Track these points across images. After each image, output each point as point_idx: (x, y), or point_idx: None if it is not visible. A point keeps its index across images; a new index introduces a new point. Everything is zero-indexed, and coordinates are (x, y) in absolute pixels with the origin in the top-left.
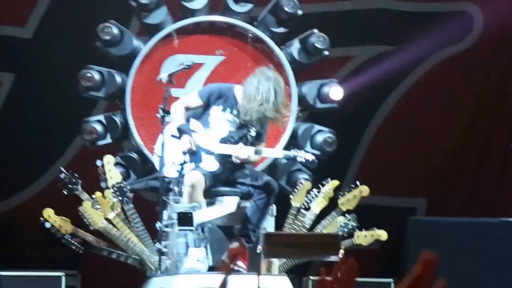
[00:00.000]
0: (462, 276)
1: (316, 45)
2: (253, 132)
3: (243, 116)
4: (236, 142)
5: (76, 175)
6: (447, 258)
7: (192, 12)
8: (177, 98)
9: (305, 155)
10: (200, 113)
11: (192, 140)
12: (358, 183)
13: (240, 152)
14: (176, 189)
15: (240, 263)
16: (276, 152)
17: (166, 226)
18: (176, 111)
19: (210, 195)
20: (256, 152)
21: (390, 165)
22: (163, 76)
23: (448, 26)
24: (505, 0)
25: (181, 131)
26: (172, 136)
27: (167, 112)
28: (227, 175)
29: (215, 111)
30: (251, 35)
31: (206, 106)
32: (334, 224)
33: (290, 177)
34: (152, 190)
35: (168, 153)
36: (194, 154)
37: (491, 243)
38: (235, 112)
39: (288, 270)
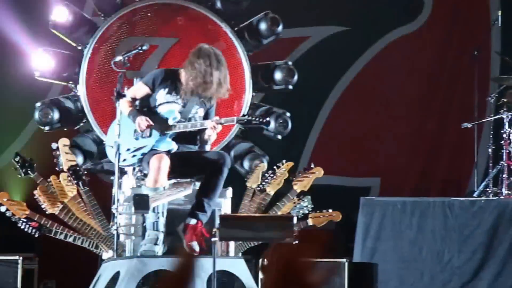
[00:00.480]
0: (411, 254)
1: (270, 26)
2: (201, 112)
3: (188, 97)
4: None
5: (31, 159)
6: (397, 237)
7: None
8: (132, 81)
9: (259, 118)
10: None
11: (147, 118)
12: (312, 164)
13: (207, 123)
14: (133, 171)
15: (194, 243)
16: (232, 118)
17: (122, 209)
18: (124, 105)
19: (172, 176)
20: (218, 122)
21: (344, 146)
22: (118, 58)
23: (399, 5)
24: None
25: (133, 115)
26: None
27: (122, 94)
28: (183, 158)
29: (161, 94)
30: (203, 16)
31: (152, 91)
32: (289, 206)
33: (245, 160)
34: (107, 173)
35: (122, 139)
36: (150, 135)
37: (440, 222)
38: (179, 94)
39: (244, 252)
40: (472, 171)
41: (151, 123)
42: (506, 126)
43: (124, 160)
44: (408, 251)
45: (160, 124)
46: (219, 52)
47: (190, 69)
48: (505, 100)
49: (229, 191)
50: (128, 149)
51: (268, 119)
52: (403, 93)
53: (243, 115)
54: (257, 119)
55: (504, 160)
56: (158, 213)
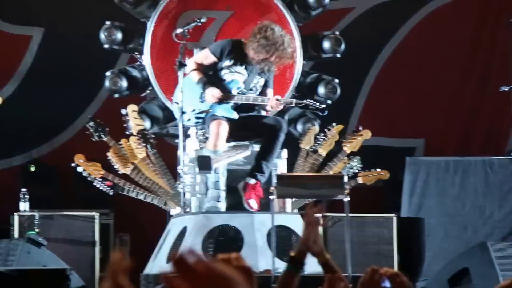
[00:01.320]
0: (454, 209)
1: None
2: (261, 81)
3: (251, 68)
4: (247, 93)
5: (103, 123)
6: (441, 194)
7: None
8: (192, 51)
9: (316, 104)
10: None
11: (219, 90)
12: (360, 127)
13: (270, 100)
14: (195, 134)
15: (253, 201)
16: (292, 100)
17: (187, 169)
18: (191, 67)
19: (231, 140)
20: (278, 100)
21: (390, 109)
22: (179, 30)
23: None
24: None
25: (203, 82)
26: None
27: (183, 64)
28: (242, 122)
29: (227, 64)
30: None
31: (219, 60)
32: (340, 166)
33: (298, 123)
34: (172, 136)
35: (186, 102)
36: (221, 103)
37: (481, 179)
38: (244, 65)
39: (300, 208)
40: (510, 131)
41: (221, 95)
42: None
43: (189, 120)
44: (452, 206)
45: (224, 92)
46: (281, 28)
47: (263, 40)
48: None
49: (285, 153)
50: (193, 110)
51: (324, 106)
52: (444, 60)
53: (302, 100)
54: (314, 104)
55: None
56: (218, 173)
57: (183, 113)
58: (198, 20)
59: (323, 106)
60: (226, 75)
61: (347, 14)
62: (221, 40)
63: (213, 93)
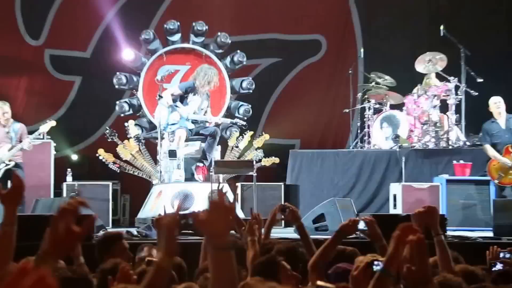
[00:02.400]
0: (317, 180)
1: (239, 59)
2: (206, 103)
3: (201, 94)
4: (202, 112)
5: (115, 130)
6: (309, 171)
7: (173, 42)
8: (165, 89)
9: (240, 121)
10: (179, 98)
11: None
12: (263, 132)
13: (212, 119)
14: (168, 137)
15: (200, 176)
16: (226, 119)
17: (163, 157)
18: (167, 96)
19: (188, 141)
20: (216, 122)
21: (280, 122)
22: (158, 77)
23: (307, 46)
24: (345, 30)
25: (172, 107)
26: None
27: (161, 96)
28: (195, 130)
29: (190, 96)
30: (204, 54)
31: (184, 93)
32: (250, 155)
33: (227, 131)
34: (155, 138)
35: (162, 118)
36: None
37: (331, 162)
38: (196, 94)
39: (229, 180)
40: (348, 135)
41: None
42: (367, 111)
43: (164, 128)
44: (315, 178)
45: (186, 113)
46: (214, 67)
47: (203, 76)
48: (366, 97)
49: (219, 148)
50: (167, 123)
51: (243, 122)
52: (313, 92)
53: (233, 119)
54: (238, 122)
55: (365, 129)
56: (180, 159)
57: (160, 124)
58: (170, 71)
59: (244, 122)
60: (190, 102)
61: (257, 67)
62: (184, 82)
63: (175, 117)
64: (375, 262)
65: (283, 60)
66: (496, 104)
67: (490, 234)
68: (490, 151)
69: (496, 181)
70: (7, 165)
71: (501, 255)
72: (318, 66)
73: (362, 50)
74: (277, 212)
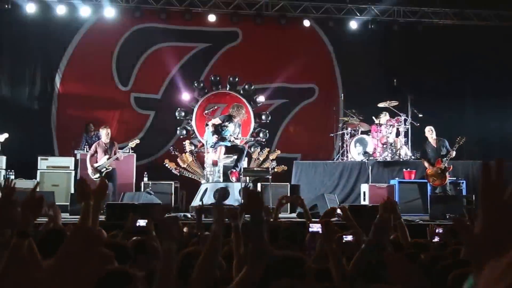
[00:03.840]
0: (314, 182)
1: (260, 99)
2: (238, 129)
3: (234, 123)
4: (235, 134)
5: (176, 148)
6: (308, 176)
7: (215, 89)
8: (210, 119)
9: (261, 141)
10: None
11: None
12: (276, 149)
13: (242, 139)
14: (212, 151)
15: (234, 178)
16: (251, 140)
17: (208, 165)
18: (212, 124)
19: (225, 154)
20: (246, 140)
21: (287, 141)
22: (206, 111)
23: (305, 92)
24: (331, 80)
25: (214, 132)
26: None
27: (207, 124)
28: (231, 147)
29: (227, 123)
30: (235, 95)
31: (222, 122)
32: (267, 164)
33: (252, 147)
34: (203, 152)
35: (208, 139)
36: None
37: (322, 169)
38: (231, 122)
39: (253, 181)
40: (333, 150)
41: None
42: (345, 136)
43: (209, 146)
44: (311, 180)
45: (222, 137)
46: (243, 106)
47: (236, 111)
48: (345, 125)
49: (246, 159)
50: (212, 142)
51: (264, 141)
52: (307, 122)
53: (255, 140)
54: (260, 140)
55: (344, 147)
56: (219, 166)
57: (206, 143)
58: (214, 107)
59: (262, 141)
60: (225, 127)
61: (271, 106)
62: (223, 115)
63: (214, 139)
64: (344, 237)
65: (289, 101)
66: (430, 131)
67: (427, 218)
68: (426, 163)
69: (431, 183)
70: (107, 169)
71: (437, 230)
72: (313, 105)
73: (342, 94)
74: (281, 200)
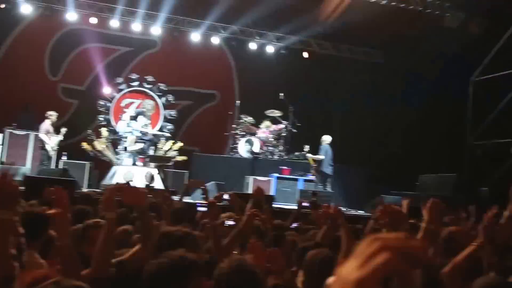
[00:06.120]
0: (218, 175)
1: (169, 99)
2: (148, 122)
3: (146, 117)
4: (146, 127)
5: (94, 132)
6: (212, 170)
7: (133, 86)
8: (125, 112)
9: (166, 134)
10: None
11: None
12: (179, 141)
13: (150, 131)
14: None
15: (140, 163)
16: (158, 132)
17: (119, 150)
18: (125, 116)
19: (135, 142)
20: (154, 132)
21: (191, 136)
22: (122, 104)
23: (208, 96)
24: (229, 89)
25: (128, 123)
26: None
27: (122, 116)
28: (140, 137)
29: (140, 116)
30: (149, 94)
31: (136, 115)
32: (170, 154)
33: (158, 138)
34: (117, 139)
35: (120, 128)
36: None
37: (225, 163)
38: (143, 116)
39: (157, 167)
40: (227, 148)
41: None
42: (238, 136)
43: (123, 134)
44: (206, 170)
45: (134, 127)
46: (153, 102)
47: (148, 106)
48: (238, 127)
49: (152, 148)
50: (124, 131)
51: (169, 135)
52: (208, 122)
53: (161, 133)
54: (165, 135)
55: (236, 145)
56: (129, 152)
57: (119, 132)
58: (130, 102)
59: (168, 134)
60: (137, 119)
61: (179, 105)
62: (138, 109)
63: (128, 129)
64: (226, 221)
65: (194, 103)
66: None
67: (295, 206)
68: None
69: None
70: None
71: (304, 204)
72: (213, 108)
73: (238, 101)
74: (186, 186)
